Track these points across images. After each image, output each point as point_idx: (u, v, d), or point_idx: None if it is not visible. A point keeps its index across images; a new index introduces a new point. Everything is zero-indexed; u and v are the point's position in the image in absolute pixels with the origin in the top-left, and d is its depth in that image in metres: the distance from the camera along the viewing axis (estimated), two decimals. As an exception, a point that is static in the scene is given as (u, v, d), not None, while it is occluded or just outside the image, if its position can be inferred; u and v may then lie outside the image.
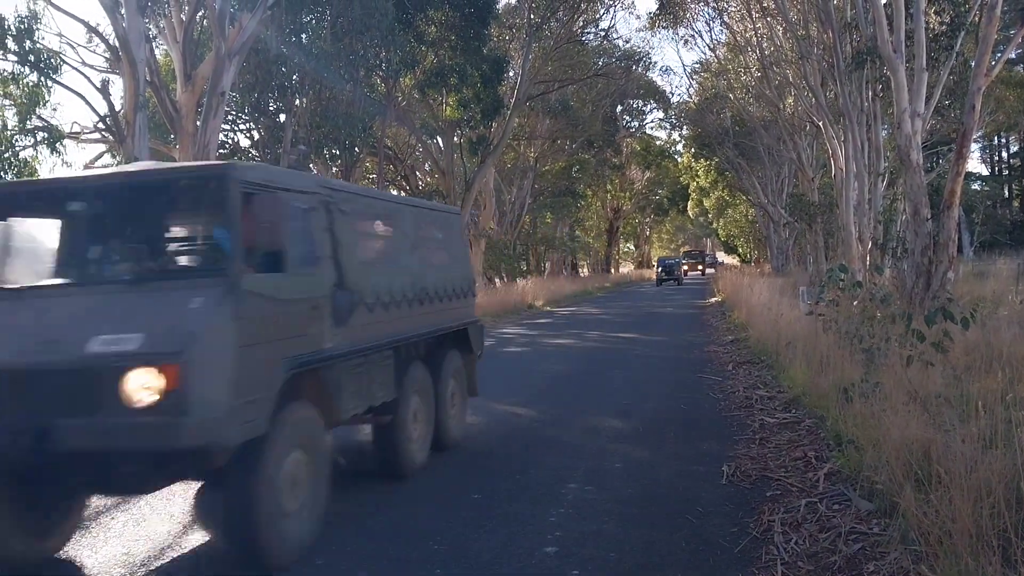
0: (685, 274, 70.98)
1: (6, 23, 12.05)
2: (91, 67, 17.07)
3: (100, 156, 18.09)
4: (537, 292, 32.98)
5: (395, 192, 32.62)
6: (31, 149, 12.79)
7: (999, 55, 14.07)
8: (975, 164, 57.23)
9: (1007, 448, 3.96)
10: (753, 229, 56.07)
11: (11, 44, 12.15)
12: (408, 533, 4.65)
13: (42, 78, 12.69)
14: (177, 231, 5.05)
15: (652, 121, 52.87)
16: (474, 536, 4.56)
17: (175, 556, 4.46)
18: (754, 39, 26.63)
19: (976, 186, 47.95)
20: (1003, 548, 3.45)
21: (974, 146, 44.77)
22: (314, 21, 18.18)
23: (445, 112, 27.39)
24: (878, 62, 15.93)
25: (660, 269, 55.34)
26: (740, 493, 5.23)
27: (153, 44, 15.55)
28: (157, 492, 5.74)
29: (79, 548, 4.64)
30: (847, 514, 4.55)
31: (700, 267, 75.36)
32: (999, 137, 53.14)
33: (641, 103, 49.32)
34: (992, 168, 57.74)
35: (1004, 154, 57.75)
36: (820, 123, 22.53)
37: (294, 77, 17.96)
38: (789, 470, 5.66)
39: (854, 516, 4.49)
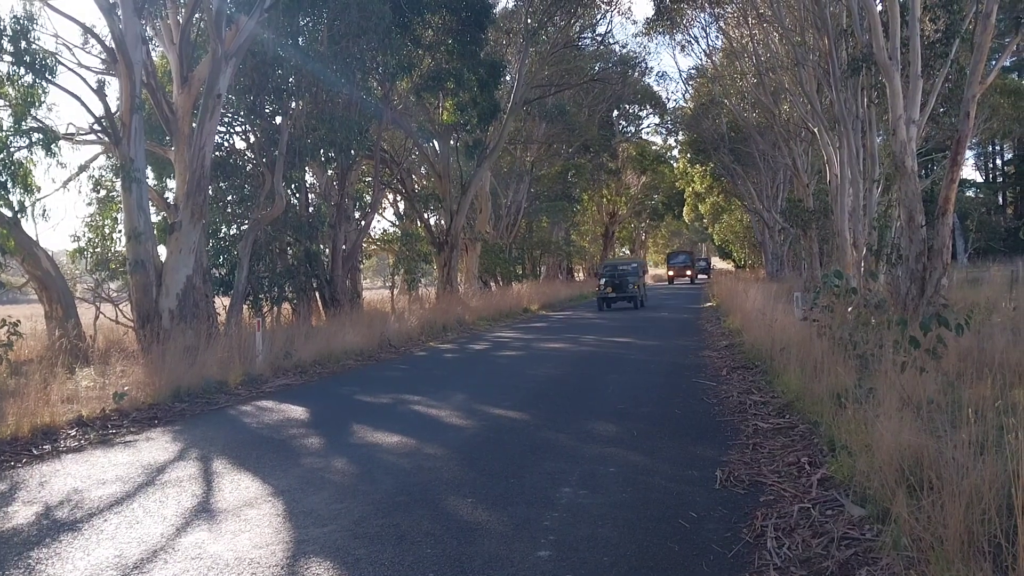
0: (670, 281, 62.98)
1: (2, 23, 12.04)
2: (87, 68, 17.15)
3: (95, 158, 18.05)
4: (532, 296, 33.00)
5: (391, 195, 32.67)
6: (26, 150, 12.75)
7: (994, 63, 14.15)
8: (969, 171, 57.59)
9: (999, 454, 3.98)
10: (748, 234, 56.17)
11: (6, 44, 12.14)
12: (402, 537, 4.65)
13: (37, 79, 12.68)
14: None
15: (648, 126, 53.04)
16: (468, 540, 4.55)
17: (168, 559, 4.45)
18: (750, 45, 26.73)
19: (970, 193, 48.28)
20: (994, 554, 3.47)
21: (968, 153, 44.99)
22: (311, 24, 18.19)
23: (442, 116, 27.44)
24: (873, 69, 16.01)
25: (603, 281, 30.68)
26: (734, 498, 5.24)
27: (150, 46, 15.54)
28: (151, 494, 5.74)
29: (71, 550, 4.62)
30: (840, 520, 4.57)
31: (689, 272, 66.96)
32: (993, 144, 53.50)
33: (637, 108, 49.50)
34: (986, 175, 58.12)
35: (998, 161, 58.17)
36: (815, 129, 22.63)
37: (291, 80, 17.97)
38: (782, 475, 5.68)
39: (847, 522, 4.51)
